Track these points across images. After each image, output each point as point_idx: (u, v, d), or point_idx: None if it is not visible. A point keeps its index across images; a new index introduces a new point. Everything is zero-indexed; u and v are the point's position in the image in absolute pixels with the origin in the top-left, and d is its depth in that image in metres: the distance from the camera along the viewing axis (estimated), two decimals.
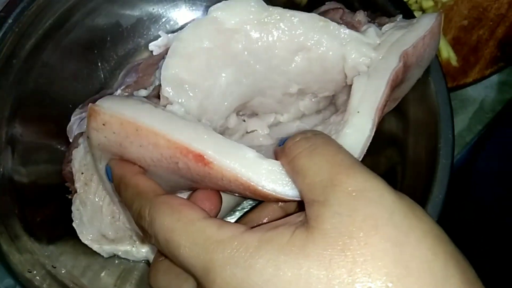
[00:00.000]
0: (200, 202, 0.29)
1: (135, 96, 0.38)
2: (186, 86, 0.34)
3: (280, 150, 0.28)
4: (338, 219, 0.21)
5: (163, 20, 0.54)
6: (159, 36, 0.53)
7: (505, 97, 0.58)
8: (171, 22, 0.54)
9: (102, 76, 0.52)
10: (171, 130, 0.28)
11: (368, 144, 0.31)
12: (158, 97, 0.34)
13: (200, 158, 0.27)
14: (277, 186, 0.27)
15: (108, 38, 0.52)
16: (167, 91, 0.33)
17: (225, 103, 0.37)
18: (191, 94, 0.34)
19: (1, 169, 0.40)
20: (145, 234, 0.27)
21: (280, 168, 0.27)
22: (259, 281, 0.21)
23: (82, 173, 0.40)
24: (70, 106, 0.48)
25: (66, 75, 0.49)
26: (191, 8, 0.54)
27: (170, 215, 0.25)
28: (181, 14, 0.54)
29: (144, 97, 0.36)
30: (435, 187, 0.36)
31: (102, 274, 0.42)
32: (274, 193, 0.27)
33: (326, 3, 0.42)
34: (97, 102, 0.30)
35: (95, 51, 0.51)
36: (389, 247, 0.20)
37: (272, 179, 0.27)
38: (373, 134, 0.31)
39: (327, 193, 0.22)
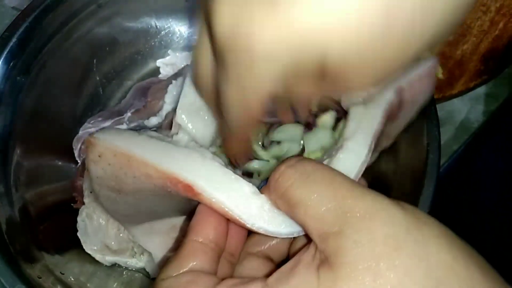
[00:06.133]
0: (201, 228, 0.28)
1: (147, 125, 0.39)
2: (202, 112, 0.34)
3: (266, 188, 0.27)
4: (360, 248, 0.20)
5: (161, 35, 0.56)
6: (158, 51, 0.55)
7: (489, 108, 0.61)
8: (173, 39, 0.56)
9: (101, 92, 0.54)
10: (161, 159, 0.28)
11: (363, 169, 0.31)
12: (170, 127, 0.35)
13: (189, 188, 0.27)
14: (269, 226, 0.26)
15: (107, 53, 0.53)
16: (182, 118, 0.33)
17: None
18: (208, 120, 0.34)
19: (8, 189, 0.42)
20: None
21: (274, 207, 0.27)
22: None
23: (91, 192, 0.41)
24: (71, 122, 0.50)
25: (66, 92, 0.51)
26: (195, 25, 0.55)
27: None
28: (182, 30, 0.56)
29: (156, 127, 0.37)
30: (426, 179, 0.38)
31: (108, 281, 0.44)
32: (265, 233, 0.27)
33: None
34: (94, 134, 0.31)
35: (94, 68, 0.53)
36: (416, 262, 0.20)
37: (264, 218, 0.26)
38: (368, 159, 0.31)
39: (340, 222, 0.21)
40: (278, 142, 0.39)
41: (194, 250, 0.26)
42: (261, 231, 0.27)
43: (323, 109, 0.38)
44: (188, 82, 0.35)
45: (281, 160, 0.28)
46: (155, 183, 0.28)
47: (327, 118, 0.37)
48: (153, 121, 0.40)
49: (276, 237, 0.29)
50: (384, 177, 0.44)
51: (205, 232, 0.27)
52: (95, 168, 0.31)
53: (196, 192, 0.27)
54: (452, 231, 0.23)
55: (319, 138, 0.36)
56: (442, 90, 0.58)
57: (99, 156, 0.30)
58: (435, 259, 0.21)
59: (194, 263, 0.25)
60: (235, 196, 0.27)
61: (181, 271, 0.25)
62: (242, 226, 0.27)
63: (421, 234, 0.21)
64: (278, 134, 0.39)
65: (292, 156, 0.27)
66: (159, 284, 0.25)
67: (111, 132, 0.31)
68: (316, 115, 0.38)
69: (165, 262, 0.31)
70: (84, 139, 0.44)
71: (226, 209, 0.27)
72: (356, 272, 0.20)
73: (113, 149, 0.29)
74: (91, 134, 0.31)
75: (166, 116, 0.40)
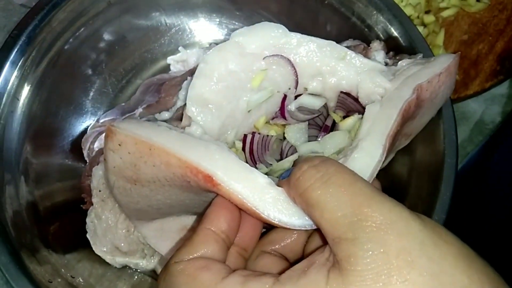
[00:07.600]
0: (215, 218, 0.28)
1: (157, 119, 0.39)
2: (211, 105, 0.34)
3: (286, 183, 0.27)
4: (372, 257, 0.21)
5: (171, 32, 0.55)
6: (168, 49, 0.54)
7: (505, 109, 0.60)
8: (183, 36, 0.55)
9: (111, 90, 0.54)
10: (182, 149, 0.29)
11: (378, 169, 0.31)
12: (180, 119, 0.35)
13: (209, 179, 0.28)
14: (283, 216, 0.27)
15: (117, 51, 0.53)
16: (191, 110, 0.33)
17: (245, 124, 0.38)
18: (215, 114, 0.34)
19: (17, 191, 0.41)
20: None
21: (288, 198, 0.27)
22: None
23: (100, 191, 0.41)
24: (80, 121, 0.50)
25: (76, 90, 0.50)
26: (205, 22, 0.55)
27: (186, 285, 0.24)
28: (192, 27, 0.55)
29: (166, 119, 0.37)
30: (442, 185, 0.37)
31: (118, 283, 0.43)
32: (279, 223, 0.27)
33: (349, 39, 0.43)
34: (114, 124, 0.31)
35: (104, 66, 0.52)
36: (428, 280, 0.20)
37: (278, 208, 0.27)
38: (383, 159, 0.31)
39: (355, 229, 0.21)
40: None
41: (207, 237, 0.26)
42: (275, 221, 0.27)
43: (348, 112, 0.38)
44: (196, 74, 0.34)
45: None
46: (175, 171, 0.29)
47: (350, 122, 0.37)
48: (165, 115, 0.39)
49: (290, 233, 0.29)
50: (400, 180, 0.43)
51: (218, 222, 0.27)
52: (113, 157, 0.31)
53: (215, 182, 0.28)
54: (473, 250, 0.22)
55: (336, 141, 0.35)
56: (457, 91, 0.57)
57: (119, 144, 0.30)
58: (448, 278, 0.20)
59: (206, 250, 0.26)
60: (251, 187, 0.28)
61: (193, 256, 0.25)
62: (257, 217, 0.28)
63: (438, 251, 0.21)
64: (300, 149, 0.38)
65: (318, 156, 0.27)
66: (172, 266, 0.25)
67: (131, 122, 0.31)
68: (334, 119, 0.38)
69: (178, 246, 0.31)
70: (93, 138, 0.43)
71: (243, 199, 0.27)
72: (366, 281, 0.20)
73: (135, 137, 0.29)
74: (111, 123, 0.31)
75: (176, 109, 0.39)
